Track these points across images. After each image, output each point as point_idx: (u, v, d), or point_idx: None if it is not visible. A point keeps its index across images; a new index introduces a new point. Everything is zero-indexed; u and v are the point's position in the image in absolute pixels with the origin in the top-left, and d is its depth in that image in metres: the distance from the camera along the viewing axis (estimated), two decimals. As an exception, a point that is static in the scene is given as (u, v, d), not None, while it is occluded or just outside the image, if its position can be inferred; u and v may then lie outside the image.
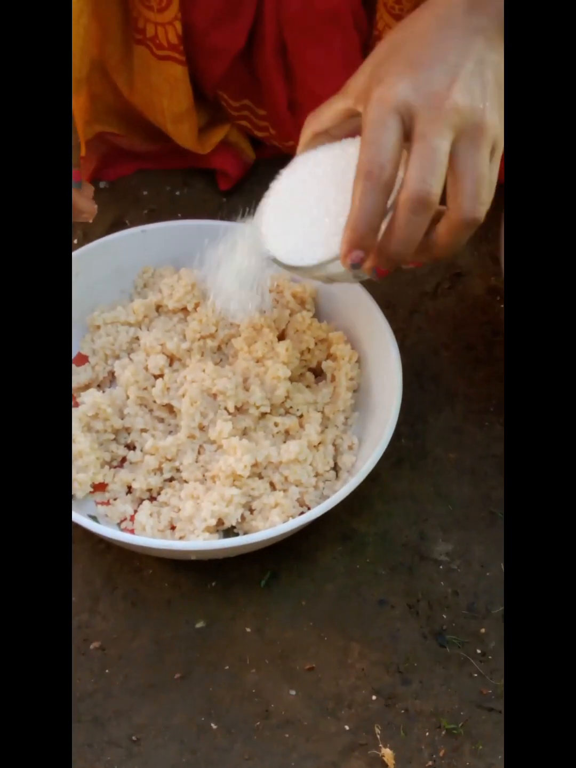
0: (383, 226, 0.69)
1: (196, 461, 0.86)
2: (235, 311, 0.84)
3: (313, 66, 0.95)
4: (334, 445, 0.89)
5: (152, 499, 0.87)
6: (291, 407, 0.89)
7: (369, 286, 0.93)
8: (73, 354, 0.95)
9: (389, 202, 0.69)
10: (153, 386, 0.89)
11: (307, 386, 0.92)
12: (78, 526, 0.81)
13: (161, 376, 0.89)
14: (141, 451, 0.88)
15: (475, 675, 0.82)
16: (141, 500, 0.87)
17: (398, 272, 1.04)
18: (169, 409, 0.89)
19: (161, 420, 0.89)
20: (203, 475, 0.86)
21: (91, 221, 0.87)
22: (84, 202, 0.85)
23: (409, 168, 0.67)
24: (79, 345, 0.95)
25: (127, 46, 0.97)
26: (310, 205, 0.76)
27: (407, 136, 0.68)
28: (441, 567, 0.87)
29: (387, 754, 0.77)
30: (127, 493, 0.87)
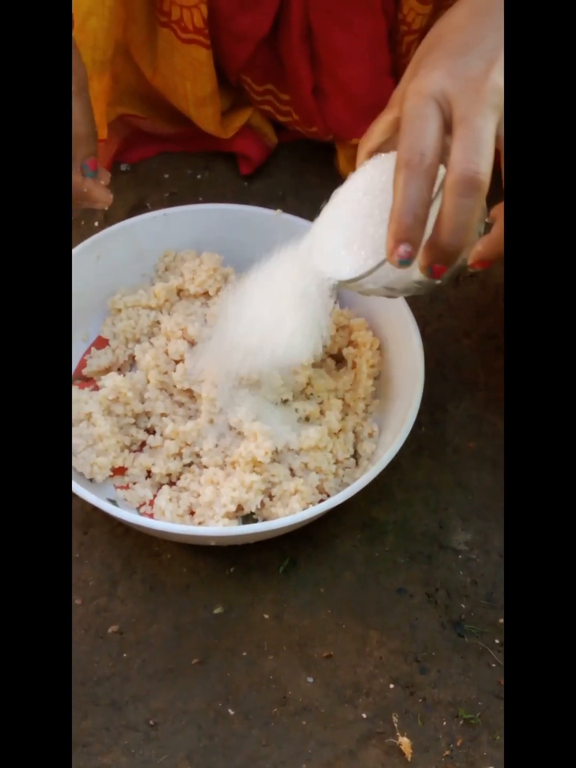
0: (432, 221, 0.65)
1: (216, 446, 0.86)
2: (298, 350, 0.78)
3: (338, 51, 0.94)
4: (354, 432, 0.89)
5: (171, 483, 0.87)
6: (312, 394, 0.89)
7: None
8: (93, 337, 0.95)
9: (434, 191, 0.64)
10: (174, 370, 0.89)
11: (328, 373, 0.91)
12: (97, 510, 0.81)
13: (182, 360, 0.89)
14: (161, 435, 0.87)
15: (493, 665, 0.81)
16: (160, 485, 0.87)
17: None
18: (190, 394, 0.88)
19: (181, 404, 0.89)
20: (223, 461, 0.85)
21: (106, 208, 0.86)
22: (99, 191, 0.84)
23: (453, 152, 0.63)
24: (99, 328, 0.94)
25: (151, 27, 0.97)
26: (355, 217, 0.71)
27: (449, 128, 0.64)
28: (460, 556, 0.87)
29: (404, 742, 0.77)
30: (146, 478, 0.87)
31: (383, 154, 0.72)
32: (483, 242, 0.67)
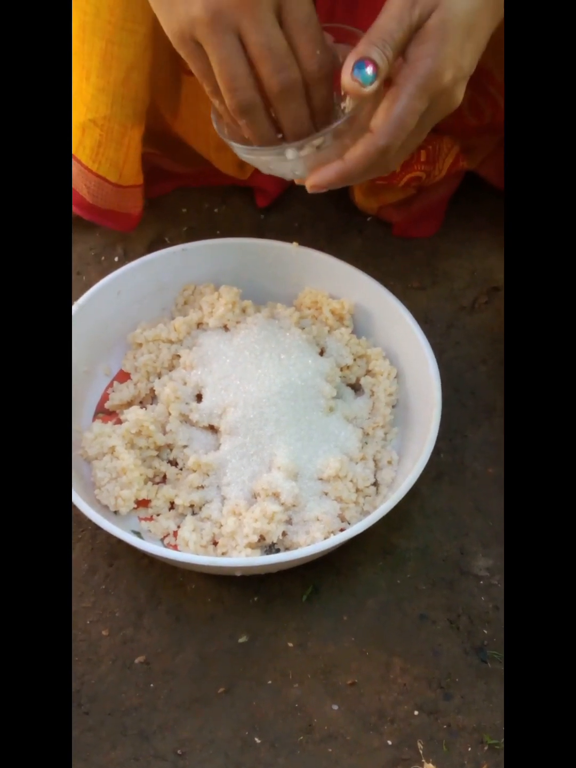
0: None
1: (239, 477, 0.87)
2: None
3: None
4: (374, 460, 0.90)
5: (194, 513, 0.88)
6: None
7: (406, 301, 0.94)
8: (115, 371, 0.96)
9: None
10: (195, 401, 0.90)
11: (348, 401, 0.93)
12: (122, 542, 0.83)
13: (201, 394, 0.90)
14: (183, 467, 0.89)
15: (517, 690, 0.82)
16: (183, 516, 0.88)
17: (436, 287, 1.05)
18: (211, 427, 0.90)
19: (203, 436, 0.90)
20: (245, 491, 0.86)
21: None
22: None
23: (421, 57, 0.70)
24: (120, 363, 0.96)
25: (175, 75, 0.98)
26: None
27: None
28: (481, 582, 0.87)
29: (430, 768, 0.78)
30: (170, 509, 0.88)
31: None
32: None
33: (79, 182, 0.96)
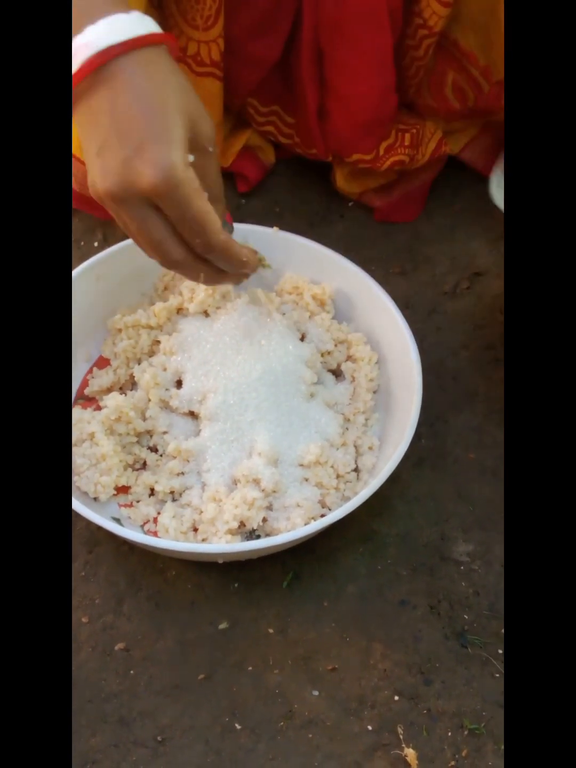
0: None
1: (219, 463, 0.87)
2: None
3: (345, 68, 0.94)
4: (355, 446, 0.90)
5: (174, 500, 0.88)
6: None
7: (387, 286, 0.93)
8: (95, 357, 0.96)
9: None
10: (174, 388, 0.90)
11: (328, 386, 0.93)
12: (102, 528, 0.82)
13: (181, 380, 0.90)
14: (163, 454, 0.88)
15: (497, 675, 0.82)
16: (163, 502, 0.87)
17: (417, 272, 1.05)
18: (191, 412, 0.89)
19: (184, 422, 0.89)
20: (225, 477, 0.86)
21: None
22: (247, 251, 0.77)
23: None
24: (100, 348, 0.95)
25: None
26: None
27: None
28: (462, 567, 0.87)
29: (410, 754, 0.78)
30: (150, 496, 0.88)
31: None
32: None
33: None
